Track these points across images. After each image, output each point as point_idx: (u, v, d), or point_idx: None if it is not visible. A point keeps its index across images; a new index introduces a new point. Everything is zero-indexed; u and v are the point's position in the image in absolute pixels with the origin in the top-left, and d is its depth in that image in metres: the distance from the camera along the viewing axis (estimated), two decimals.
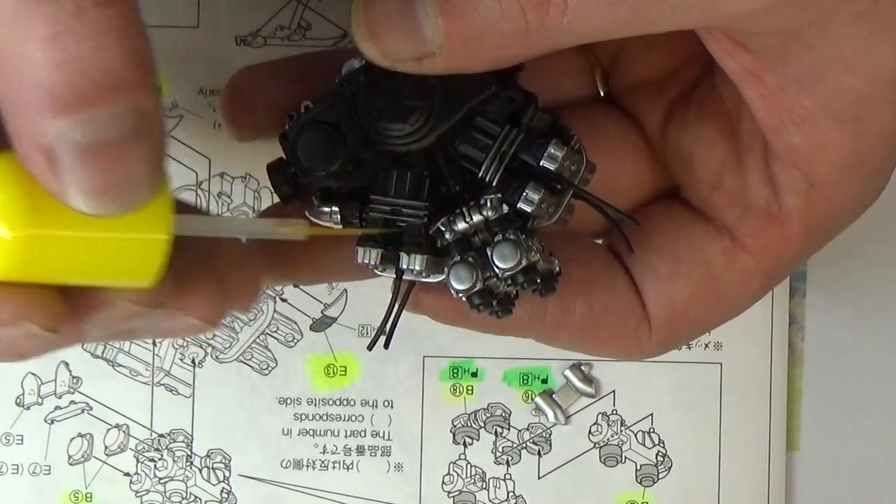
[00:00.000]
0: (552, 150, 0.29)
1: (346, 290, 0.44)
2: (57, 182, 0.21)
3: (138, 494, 0.44)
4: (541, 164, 0.29)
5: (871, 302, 0.45)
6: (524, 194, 0.29)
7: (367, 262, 0.29)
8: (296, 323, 0.44)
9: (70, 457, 0.44)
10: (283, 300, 0.44)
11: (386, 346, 0.31)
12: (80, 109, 0.20)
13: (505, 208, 0.29)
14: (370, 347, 0.31)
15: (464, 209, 0.29)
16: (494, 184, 0.29)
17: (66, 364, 0.44)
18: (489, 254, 0.29)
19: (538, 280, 0.30)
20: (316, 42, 0.45)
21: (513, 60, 0.27)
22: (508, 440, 0.44)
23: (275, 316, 0.44)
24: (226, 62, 0.45)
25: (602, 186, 0.31)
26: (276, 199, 0.31)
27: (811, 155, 0.29)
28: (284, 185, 0.30)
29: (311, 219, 0.30)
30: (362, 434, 0.44)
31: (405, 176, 0.29)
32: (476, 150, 0.29)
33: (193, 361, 0.44)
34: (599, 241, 0.35)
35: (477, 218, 0.29)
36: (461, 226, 0.29)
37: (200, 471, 0.44)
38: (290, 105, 0.30)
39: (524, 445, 0.44)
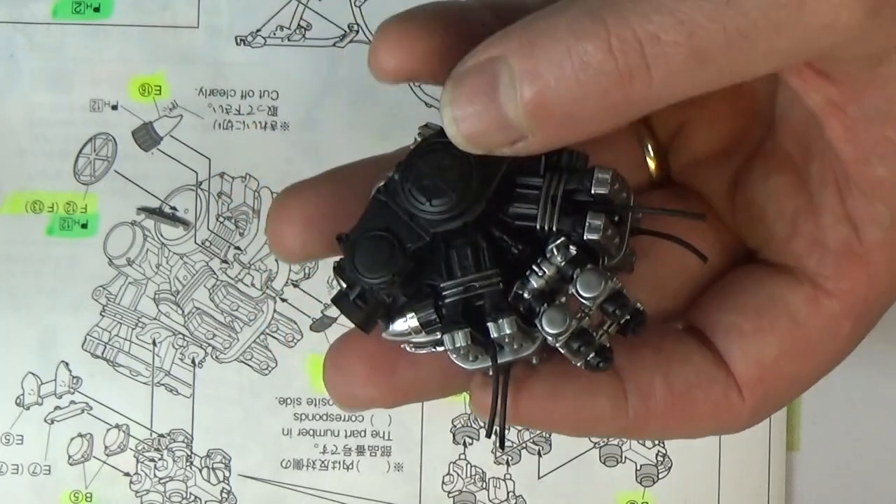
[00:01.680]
0: (599, 175, 0.28)
1: None
2: None
3: (138, 494, 0.44)
4: (592, 192, 0.28)
5: None
6: (587, 224, 0.28)
7: (457, 344, 0.28)
8: (296, 323, 0.44)
9: (70, 457, 0.44)
10: (284, 300, 0.44)
11: (501, 446, 0.31)
12: None
13: (573, 250, 0.28)
14: (488, 434, 0.31)
15: (534, 266, 0.28)
16: (555, 229, 0.28)
17: (66, 364, 0.44)
18: (574, 290, 0.28)
19: (629, 315, 0.29)
20: (316, 42, 0.45)
21: (604, 131, 0.27)
22: (508, 440, 0.44)
23: (275, 316, 0.44)
24: (226, 62, 0.45)
25: (673, 270, 0.31)
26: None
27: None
28: (355, 311, 0.29)
29: (388, 337, 0.30)
30: (362, 434, 0.44)
31: (465, 252, 0.28)
32: (527, 204, 0.29)
33: (193, 361, 0.44)
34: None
35: (549, 269, 0.28)
36: (536, 282, 0.28)
37: (200, 471, 0.44)
38: (335, 219, 0.30)
39: (524, 445, 0.44)
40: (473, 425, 0.44)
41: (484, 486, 0.44)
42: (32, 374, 0.44)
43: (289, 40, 0.45)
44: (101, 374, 0.44)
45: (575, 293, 0.28)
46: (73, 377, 0.44)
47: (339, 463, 0.44)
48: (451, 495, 0.44)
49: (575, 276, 0.28)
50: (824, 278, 0.31)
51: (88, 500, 0.44)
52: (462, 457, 0.44)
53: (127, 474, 0.44)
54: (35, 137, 0.44)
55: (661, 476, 0.45)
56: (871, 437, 0.45)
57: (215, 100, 0.44)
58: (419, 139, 0.30)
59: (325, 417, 0.44)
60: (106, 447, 0.44)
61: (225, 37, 0.45)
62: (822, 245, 0.31)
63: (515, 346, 0.29)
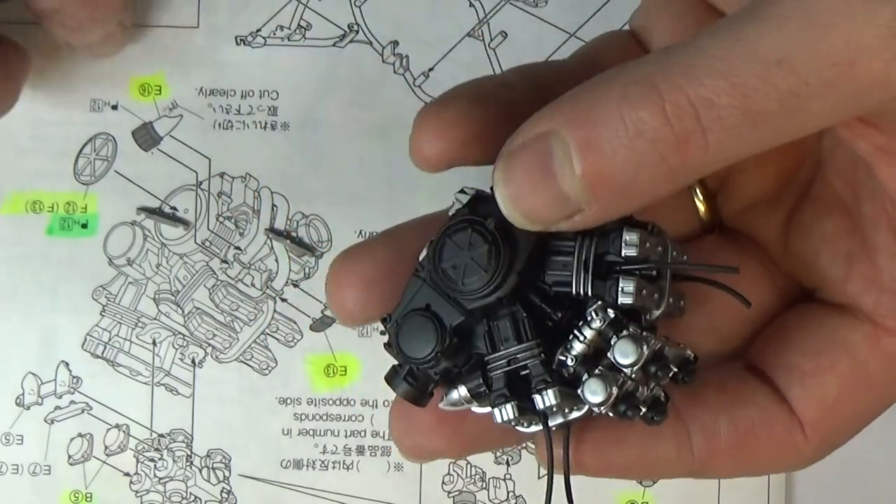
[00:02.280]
0: (627, 237, 0.29)
1: None
2: None
3: (138, 494, 0.44)
4: (623, 254, 0.29)
5: None
6: (619, 289, 0.28)
7: (506, 418, 0.29)
8: (296, 323, 0.44)
9: (70, 457, 0.44)
10: (284, 300, 0.44)
11: (570, 501, 0.31)
12: None
13: (611, 313, 0.29)
14: (547, 502, 0.31)
15: (575, 331, 0.29)
16: (590, 294, 0.29)
17: (66, 364, 0.44)
18: (612, 358, 0.28)
19: (675, 369, 0.29)
20: (316, 42, 0.45)
21: (661, 197, 0.27)
22: None
23: (275, 316, 0.44)
24: (226, 62, 0.45)
25: (731, 312, 0.31)
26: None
27: None
28: (407, 387, 0.30)
29: (444, 408, 0.31)
30: (362, 434, 0.44)
31: (506, 324, 0.29)
32: (561, 271, 0.29)
33: (193, 361, 0.44)
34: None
35: (589, 333, 0.29)
36: (578, 347, 0.29)
37: (200, 471, 0.44)
38: (392, 281, 0.30)
39: (524, 445, 0.44)
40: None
41: (484, 486, 0.44)
42: (32, 373, 0.44)
43: (289, 40, 0.45)
44: (101, 373, 0.44)
45: (613, 361, 0.28)
46: (73, 377, 0.44)
47: (339, 463, 0.44)
48: (451, 495, 0.44)
49: (612, 343, 0.28)
50: (882, 317, 0.31)
51: (88, 500, 0.44)
52: None
53: (127, 474, 0.44)
54: (35, 137, 0.44)
55: None
56: (872, 437, 0.45)
57: (215, 100, 0.44)
58: (456, 203, 0.30)
59: (324, 417, 0.44)
60: (106, 447, 0.44)
61: (225, 37, 0.45)
62: (879, 284, 0.31)
63: (566, 411, 0.30)
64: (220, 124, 0.44)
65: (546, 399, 0.29)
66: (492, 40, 0.45)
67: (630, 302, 0.29)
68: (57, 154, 0.44)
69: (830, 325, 0.32)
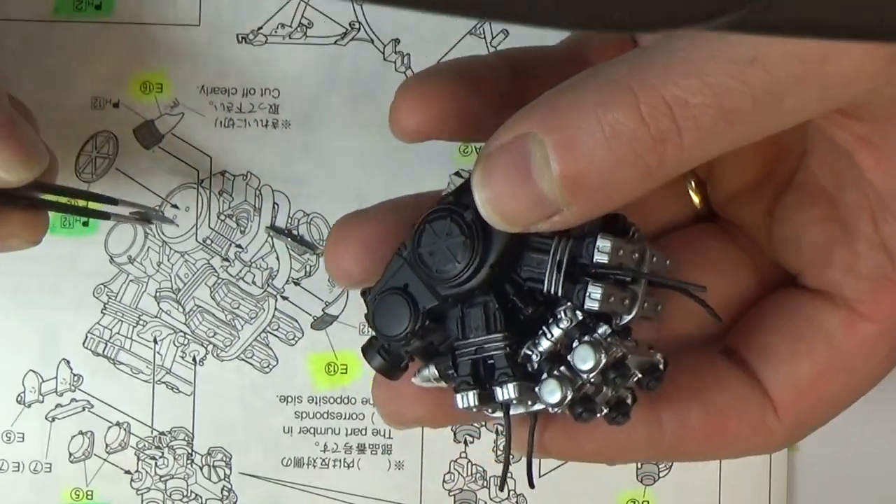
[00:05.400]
0: (600, 244, 0.29)
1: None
2: None
3: (139, 492, 0.44)
4: (594, 260, 0.29)
5: None
6: (587, 293, 0.29)
7: (467, 405, 0.30)
8: (297, 321, 0.44)
9: (71, 454, 0.44)
10: (285, 298, 0.44)
11: (531, 485, 0.32)
12: None
13: (579, 315, 0.29)
14: (501, 488, 0.32)
15: (543, 328, 0.29)
16: (560, 294, 0.29)
17: (68, 362, 0.44)
18: (571, 361, 0.29)
19: (639, 375, 0.30)
20: (317, 40, 0.45)
21: (639, 195, 0.27)
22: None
23: (276, 314, 0.44)
24: (227, 60, 0.45)
25: (711, 301, 0.32)
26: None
27: None
28: (381, 361, 0.31)
29: (417, 382, 0.31)
30: (363, 432, 0.44)
31: (477, 314, 0.30)
32: (536, 268, 0.29)
33: (194, 359, 0.44)
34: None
35: (557, 332, 0.29)
36: (545, 344, 0.29)
37: (201, 469, 0.44)
38: (391, 244, 0.31)
39: None
40: (474, 424, 0.44)
41: (485, 484, 0.44)
42: (34, 371, 0.44)
43: (290, 38, 0.45)
44: (102, 371, 0.44)
45: (572, 365, 0.29)
46: (75, 375, 0.44)
47: (340, 461, 0.44)
48: (451, 493, 0.44)
49: (573, 348, 0.29)
50: (860, 303, 0.31)
51: (89, 497, 0.44)
52: (463, 455, 0.44)
53: (128, 472, 0.44)
54: None
55: (661, 475, 0.45)
56: (872, 436, 0.45)
57: (217, 98, 0.44)
58: (451, 185, 0.30)
59: (325, 416, 0.44)
60: (107, 445, 0.44)
61: (226, 34, 0.45)
62: (857, 272, 0.31)
63: (529, 403, 0.30)
64: (221, 122, 0.44)
65: (505, 392, 0.29)
66: (493, 38, 0.45)
67: (596, 308, 0.29)
68: (58, 151, 0.44)
69: (809, 310, 0.32)
